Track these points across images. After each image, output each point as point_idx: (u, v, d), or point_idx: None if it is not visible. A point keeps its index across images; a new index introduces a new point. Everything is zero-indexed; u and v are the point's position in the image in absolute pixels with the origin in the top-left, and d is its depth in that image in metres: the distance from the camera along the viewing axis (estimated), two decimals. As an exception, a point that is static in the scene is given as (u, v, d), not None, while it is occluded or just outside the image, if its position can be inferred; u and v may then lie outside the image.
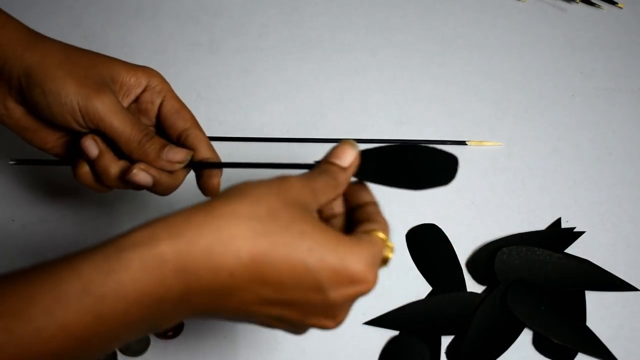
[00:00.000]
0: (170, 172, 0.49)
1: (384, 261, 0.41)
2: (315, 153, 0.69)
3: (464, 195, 0.66)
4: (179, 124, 0.51)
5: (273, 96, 0.74)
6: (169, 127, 0.52)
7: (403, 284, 0.60)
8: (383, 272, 0.60)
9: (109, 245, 0.35)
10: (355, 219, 0.43)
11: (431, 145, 0.45)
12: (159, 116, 0.52)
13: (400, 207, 0.65)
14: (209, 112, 0.72)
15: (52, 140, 0.52)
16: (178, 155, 0.49)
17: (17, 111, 0.50)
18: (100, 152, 0.48)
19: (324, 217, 0.44)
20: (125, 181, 0.49)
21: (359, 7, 0.83)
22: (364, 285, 0.39)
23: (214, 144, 0.69)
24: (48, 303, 0.33)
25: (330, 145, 0.69)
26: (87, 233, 0.61)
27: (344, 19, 0.82)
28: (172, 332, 0.56)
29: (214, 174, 0.51)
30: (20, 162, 0.58)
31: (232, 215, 0.36)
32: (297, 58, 0.77)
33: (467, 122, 0.72)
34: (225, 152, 0.69)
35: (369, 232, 0.40)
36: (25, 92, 0.48)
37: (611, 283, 0.60)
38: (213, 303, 0.37)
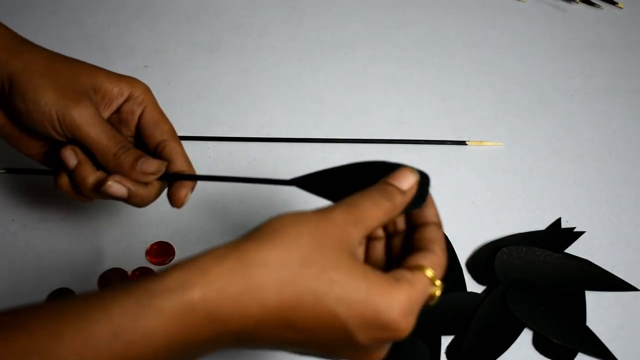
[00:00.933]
0: (145, 184, 0.49)
1: (430, 298, 0.40)
2: (315, 153, 0.69)
3: (464, 195, 0.66)
4: (157, 135, 0.51)
5: (273, 96, 0.74)
6: (147, 138, 0.52)
7: (403, 284, 0.60)
8: (383, 272, 0.60)
9: (141, 288, 0.35)
10: (412, 243, 0.42)
11: (396, 162, 0.43)
12: (138, 127, 0.52)
13: (400, 207, 0.65)
14: (209, 112, 0.72)
15: (36, 147, 0.52)
16: (151, 166, 0.49)
17: (0, 117, 0.50)
18: (79, 163, 0.49)
19: (375, 236, 0.44)
20: (100, 191, 0.49)
21: (359, 7, 0.83)
22: (396, 332, 0.38)
23: (214, 144, 0.69)
24: (77, 345, 0.33)
25: (330, 145, 0.69)
26: (87, 233, 0.61)
27: (344, 19, 0.82)
28: None
29: (183, 185, 0.51)
30: (9, 170, 0.58)
31: (262, 264, 0.36)
32: (297, 58, 0.77)
33: (467, 122, 0.72)
34: (225, 152, 0.69)
35: (415, 270, 0.39)
36: (8, 98, 0.48)
37: (611, 283, 0.60)
38: (238, 344, 0.37)
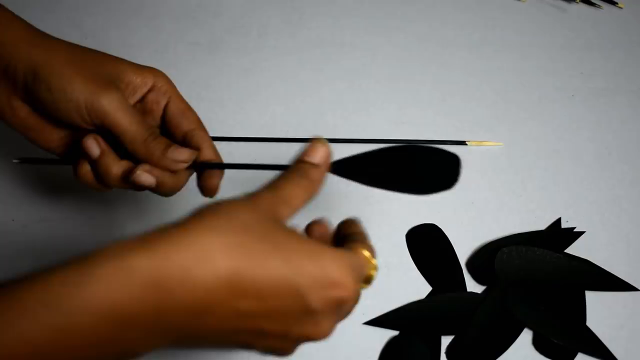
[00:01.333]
0: (174, 172, 0.49)
1: (367, 280, 0.41)
2: (315, 153, 0.69)
3: (464, 195, 0.66)
4: (184, 124, 0.52)
5: (273, 96, 0.74)
6: (174, 128, 0.52)
7: (403, 284, 0.60)
8: (383, 272, 0.60)
9: (82, 258, 0.34)
10: (340, 235, 0.44)
11: (432, 145, 0.44)
12: (164, 117, 0.52)
13: (400, 207, 0.65)
14: (209, 112, 0.72)
15: (57, 139, 0.52)
16: (182, 154, 0.49)
17: (22, 110, 0.50)
18: (102, 152, 0.48)
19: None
20: (127, 181, 0.49)
21: (359, 7, 0.83)
22: (343, 290, 0.38)
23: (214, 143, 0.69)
24: (10, 316, 0.31)
25: (330, 145, 0.69)
26: (87, 233, 0.61)
27: (344, 19, 0.82)
28: None
29: (214, 174, 0.51)
30: (23, 160, 0.58)
31: (206, 229, 0.35)
32: (297, 58, 0.77)
33: (467, 122, 0.72)
34: (225, 152, 0.68)
35: (353, 248, 0.41)
36: (32, 89, 0.48)
37: (611, 283, 0.60)
38: (190, 323, 0.35)
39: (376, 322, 0.58)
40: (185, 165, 0.49)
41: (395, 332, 0.57)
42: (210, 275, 0.34)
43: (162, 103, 0.52)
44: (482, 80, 0.76)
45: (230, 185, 0.66)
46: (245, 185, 0.67)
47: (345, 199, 0.65)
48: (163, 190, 0.50)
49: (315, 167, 0.42)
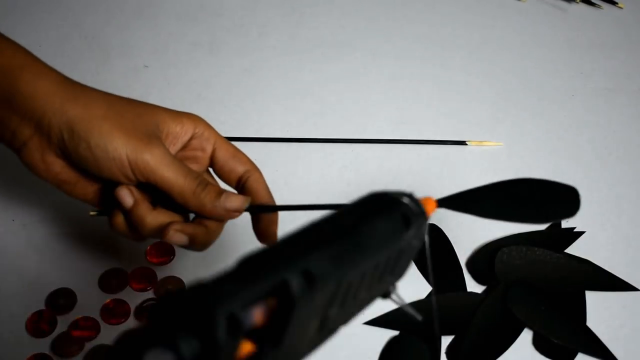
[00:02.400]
0: (222, 222, 0.49)
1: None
2: (315, 153, 0.69)
3: (464, 195, 0.66)
4: (238, 168, 0.51)
5: (273, 96, 0.74)
6: (227, 173, 0.51)
7: (403, 284, 0.60)
8: (383, 272, 0.60)
9: None
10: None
11: (545, 179, 0.44)
12: (213, 163, 0.51)
13: (400, 207, 0.65)
14: (209, 112, 0.72)
15: (92, 191, 0.50)
16: (235, 202, 0.48)
17: (56, 165, 0.48)
18: (135, 202, 0.47)
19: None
20: (161, 239, 0.48)
21: (359, 7, 0.83)
22: None
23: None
24: None
25: (330, 145, 0.69)
26: (87, 233, 0.61)
27: (344, 19, 0.82)
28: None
29: (272, 221, 0.50)
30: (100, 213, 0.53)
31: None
32: (297, 58, 0.77)
33: (467, 122, 0.72)
34: (225, 152, 0.69)
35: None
36: (69, 146, 0.46)
37: (611, 283, 0.60)
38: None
39: (376, 322, 0.58)
40: (239, 213, 0.48)
41: (395, 332, 0.57)
42: None
43: (209, 150, 0.50)
44: (482, 80, 0.76)
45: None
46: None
47: (345, 199, 0.65)
48: (196, 246, 0.49)
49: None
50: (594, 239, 0.63)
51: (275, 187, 0.66)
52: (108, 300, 0.57)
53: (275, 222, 0.50)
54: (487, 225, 0.64)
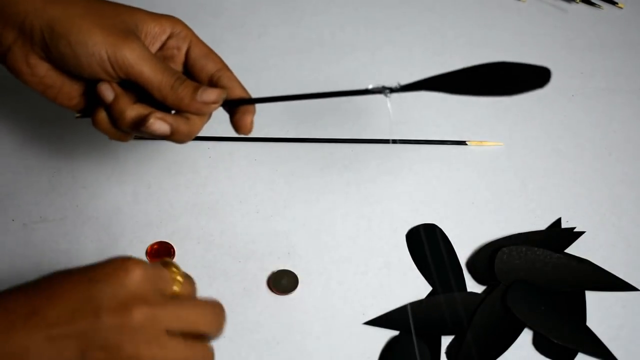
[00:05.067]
0: (187, 119, 0.50)
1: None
2: (315, 153, 0.69)
3: (464, 195, 0.66)
4: (209, 66, 0.51)
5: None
6: (198, 71, 0.52)
7: (403, 284, 0.60)
8: (383, 272, 0.61)
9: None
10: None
11: (519, 62, 0.45)
12: (186, 62, 0.52)
13: (400, 207, 0.65)
14: (209, 112, 0.72)
15: (77, 95, 0.51)
16: (212, 95, 0.49)
17: (41, 67, 0.49)
18: (116, 96, 0.48)
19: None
20: (142, 128, 0.48)
21: (359, 7, 0.83)
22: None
23: (214, 144, 0.69)
24: None
25: (330, 145, 0.69)
26: (87, 233, 0.61)
27: (344, 19, 0.82)
28: None
29: (248, 110, 0.52)
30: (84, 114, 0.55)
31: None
32: (297, 58, 0.77)
33: (467, 122, 0.72)
34: (225, 151, 0.69)
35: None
36: (50, 45, 0.47)
37: (611, 283, 0.60)
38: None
39: (376, 322, 0.58)
40: (217, 106, 0.49)
41: (395, 332, 0.57)
42: None
43: (184, 48, 0.52)
44: (482, 80, 0.76)
45: (229, 187, 0.66)
46: (242, 190, 0.67)
47: (345, 198, 0.65)
48: (178, 138, 0.50)
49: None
50: (594, 239, 0.63)
51: (275, 187, 0.66)
52: None
53: (251, 112, 0.52)
54: (487, 225, 0.64)
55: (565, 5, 0.84)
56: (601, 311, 0.59)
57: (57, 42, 0.47)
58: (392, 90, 0.46)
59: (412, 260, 0.62)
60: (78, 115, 0.52)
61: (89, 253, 0.60)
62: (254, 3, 0.83)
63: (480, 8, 0.83)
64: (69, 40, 0.46)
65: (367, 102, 0.74)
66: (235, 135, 0.70)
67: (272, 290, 0.59)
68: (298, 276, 0.59)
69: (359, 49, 0.79)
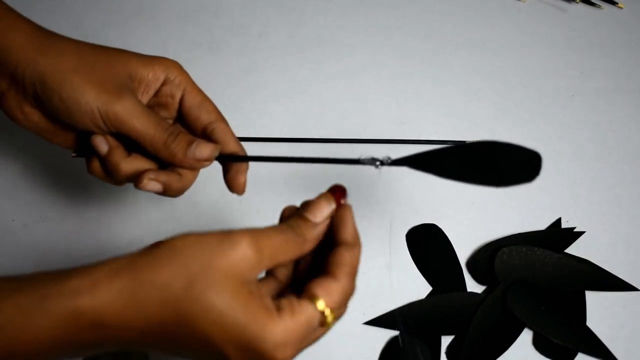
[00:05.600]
0: (179, 175, 0.49)
1: (323, 325, 0.40)
2: (315, 153, 0.69)
3: (464, 195, 0.66)
4: (203, 117, 0.51)
5: (273, 96, 0.74)
6: (192, 121, 0.51)
7: (403, 284, 0.60)
8: (383, 273, 0.61)
9: (35, 288, 0.36)
10: (324, 263, 0.41)
11: (510, 143, 0.44)
12: (181, 109, 0.51)
13: (400, 207, 0.65)
14: (209, 112, 0.72)
15: (72, 138, 0.51)
16: (204, 152, 0.48)
17: (34, 115, 0.49)
18: (110, 149, 0.48)
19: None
20: (134, 186, 0.48)
21: (359, 7, 0.83)
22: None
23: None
24: None
25: (330, 145, 0.69)
26: (87, 233, 0.61)
27: (344, 19, 0.82)
28: None
29: (240, 170, 0.51)
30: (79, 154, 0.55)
31: (150, 284, 0.37)
32: (297, 58, 0.77)
33: (467, 122, 0.72)
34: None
35: (305, 299, 0.39)
36: (42, 98, 0.47)
37: (611, 283, 0.60)
38: (126, 346, 0.39)
39: (376, 322, 0.58)
40: (209, 162, 0.49)
41: (395, 332, 0.57)
42: (143, 322, 0.37)
43: (177, 96, 0.51)
44: (482, 80, 0.76)
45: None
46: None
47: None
48: (170, 194, 0.49)
49: (313, 226, 0.42)
50: (594, 239, 0.63)
51: (275, 187, 0.66)
52: None
53: (243, 171, 0.51)
54: (487, 225, 0.64)
55: (565, 5, 0.84)
56: (601, 311, 0.59)
57: (49, 96, 0.46)
58: (382, 163, 0.45)
59: (412, 260, 0.62)
60: (74, 154, 0.52)
61: (89, 253, 0.60)
62: (254, 3, 0.83)
63: (480, 8, 0.83)
64: (60, 95, 0.46)
65: (367, 102, 0.74)
66: (235, 135, 0.70)
67: (272, 290, 0.59)
68: (298, 276, 0.59)
69: (359, 49, 0.79)
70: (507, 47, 0.80)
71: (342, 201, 0.43)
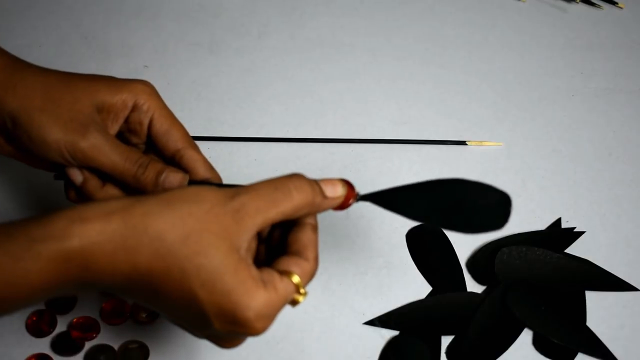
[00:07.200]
0: None
1: (292, 303, 0.41)
2: (315, 153, 0.69)
3: (464, 195, 0.66)
4: (170, 144, 0.50)
5: (273, 96, 0.74)
6: (161, 148, 0.51)
7: (403, 284, 0.60)
8: (383, 272, 0.61)
9: (23, 232, 0.37)
10: (290, 242, 0.43)
11: (480, 182, 0.42)
12: (149, 136, 0.51)
13: (400, 207, 0.65)
14: (209, 112, 0.72)
15: (48, 164, 0.51)
16: (174, 181, 0.48)
17: (8, 147, 0.50)
18: (85, 180, 0.49)
19: None
20: None
21: (359, 7, 0.83)
22: (249, 330, 0.39)
23: (214, 144, 0.69)
24: None
25: (330, 145, 0.69)
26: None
27: (344, 19, 0.82)
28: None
29: None
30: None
31: (143, 231, 0.37)
32: (297, 58, 0.77)
33: (467, 122, 0.72)
34: (225, 151, 0.69)
35: (284, 275, 0.40)
36: (13, 135, 0.48)
37: (611, 283, 0.60)
38: (110, 289, 0.39)
39: (376, 322, 0.58)
40: None
41: (395, 332, 0.57)
42: (131, 269, 0.38)
43: (145, 123, 0.50)
44: (482, 80, 0.76)
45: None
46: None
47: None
48: None
49: (324, 197, 0.42)
50: (594, 239, 0.63)
51: (275, 187, 0.66)
52: (108, 301, 0.57)
53: None
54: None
55: (565, 5, 0.84)
56: (601, 311, 0.59)
57: (20, 134, 0.47)
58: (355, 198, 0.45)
59: (412, 260, 0.62)
60: (55, 176, 0.52)
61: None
62: (254, 3, 0.83)
63: (480, 8, 0.83)
64: (29, 135, 0.47)
65: (367, 102, 0.74)
66: (235, 135, 0.70)
67: (272, 290, 0.59)
68: (298, 276, 0.59)
69: (359, 49, 0.79)
70: (507, 47, 0.80)
71: (351, 200, 0.44)
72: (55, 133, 0.46)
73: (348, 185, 0.43)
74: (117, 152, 0.48)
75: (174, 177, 0.48)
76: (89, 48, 0.77)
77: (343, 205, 0.44)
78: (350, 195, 0.43)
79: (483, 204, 0.42)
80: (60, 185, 0.51)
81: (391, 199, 0.44)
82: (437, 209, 0.43)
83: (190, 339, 0.56)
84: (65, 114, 0.47)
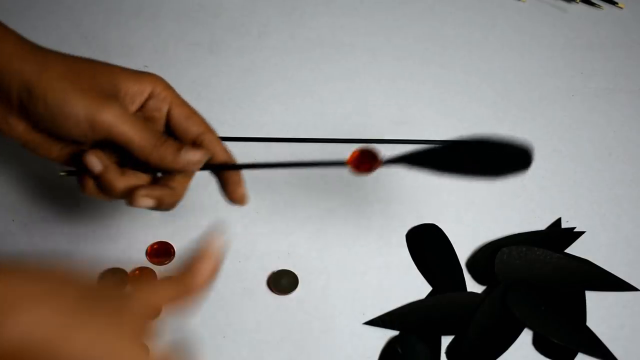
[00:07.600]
0: (188, 175, 0.50)
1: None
2: (315, 153, 0.69)
3: (464, 195, 0.66)
4: (193, 129, 0.51)
5: (273, 96, 0.74)
6: (181, 134, 0.51)
7: (403, 284, 0.60)
8: (383, 272, 0.61)
9: None
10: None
11: (501, 136, 0.46)
12: (169, 124, 0.51)
13: (400, 207, 0.65)
14: (209, 112, 0.72)
15: (57, 151, 0.51)
16: (196, 155, 0.49)
17: (19, 126, 0.49)
18: (105, 167, 0.48)
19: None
20: (127, 203, 0.48)
21: (359, 7, 0.83)
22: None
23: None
24: None
25: (330, 145, 0.69)
26: (87, 234, 0.61)
27: (344, 19, 0.82)
28: None
29: (237, 181, 0.51)
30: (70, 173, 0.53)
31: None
32: (297, 58, 0.77)
33: (467, 122, 0.72)
34: (225, 152, 0.69)
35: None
36: (27, 107, 0.47)
37: (611, 283, 0.60)
38: None
39: (376, 322, 0.58)
40: (199, 166, 0.49)
41: (395, 332, 0.57)
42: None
43: (164, 109, 0.51)
44: (482, 80, 0.76)
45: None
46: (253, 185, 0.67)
47: (345, 199, 0.65)
48: (163, 208, 0.50)
49: (193, 288, 0.40)
50: (594, 239, 0.63)
51: (275, 186, 0.66)
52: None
53: (240, 183, 0.52)
54: (487, 225, 0.64)
55: (565, 5, 0.84)
56: (601, 311, 0.59)
57: (34, 104, 0.46)
58: None
59: (412, 260, 0.62)
60: (63, 173, 0.52)
61: (89, 253, 0.60)
62: (254, 3, 0.83)
63: (480, 8, 0.83)
64: (45, 102, 0.46)
65: (367, 102, 0.74)
66: (235, 135, 0.70)
67: (272, 290, 0.59)
68: (298, 276, 0.59)
69: (359, 49, 0.79)
70: (507, 47, 0.80)
71: (377, 167, 0.46)
72: (74, 100, 0.46)
73: (371, 154, 0.44)
74: (138, 124, 0.47)
75: (195, 151, 0.49)
76: (89, 48, 0.77)
77: (369, 169, 0.45)
78: (376, 164, 0.45)
79: (508, 151, 0.47)
80: (67, 181, 0.51)
81: (418, 160, 0.46)
82: (462, 164, 0.46)
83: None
84: (86, 83, 0.47)
